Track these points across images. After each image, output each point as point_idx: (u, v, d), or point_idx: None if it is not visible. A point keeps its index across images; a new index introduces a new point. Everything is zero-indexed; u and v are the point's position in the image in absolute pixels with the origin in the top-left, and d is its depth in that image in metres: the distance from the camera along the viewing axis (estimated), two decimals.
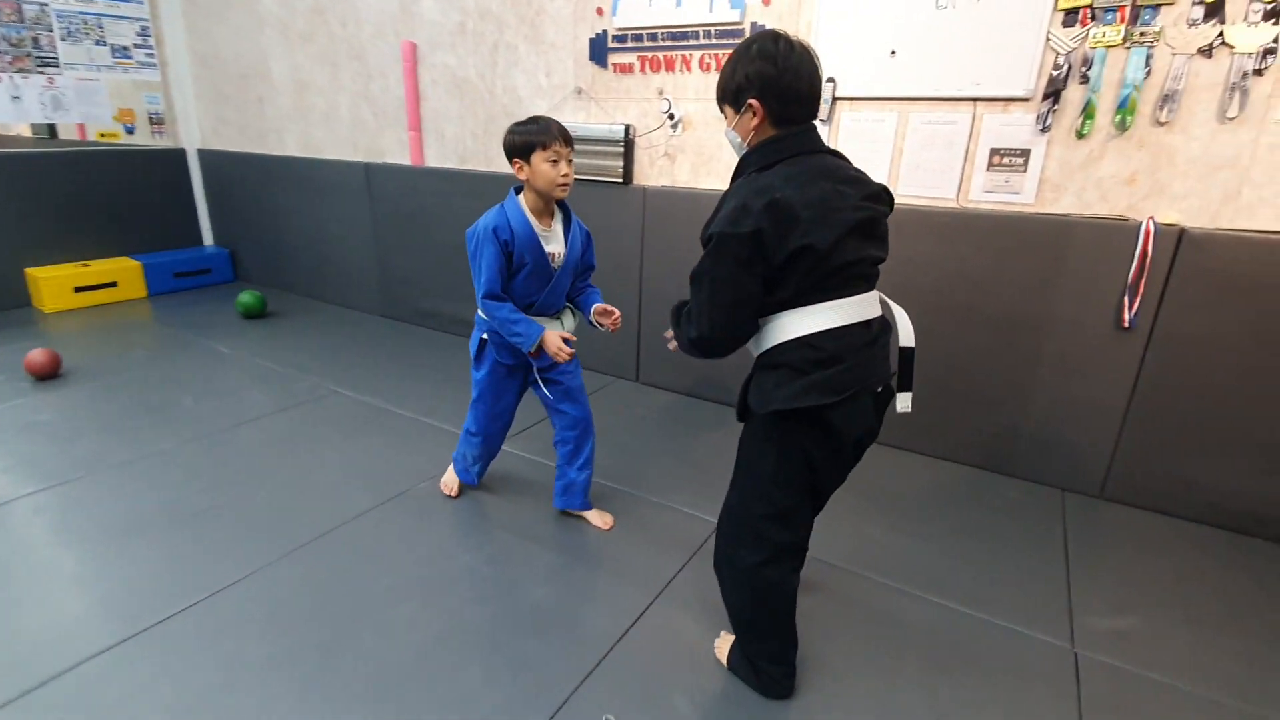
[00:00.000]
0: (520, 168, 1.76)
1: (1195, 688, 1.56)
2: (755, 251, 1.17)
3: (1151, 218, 2.12)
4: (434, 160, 3.76)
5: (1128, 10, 2.04)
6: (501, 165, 3.49)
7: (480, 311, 1.91)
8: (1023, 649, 1.67)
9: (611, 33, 2.95)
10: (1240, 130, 1.99)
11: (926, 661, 1.62)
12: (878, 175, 2.54)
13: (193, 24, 4.61)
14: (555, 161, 1.73)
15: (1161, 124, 2.08)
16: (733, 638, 1.56)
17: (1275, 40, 1.88)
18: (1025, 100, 2.25)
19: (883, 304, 1.36)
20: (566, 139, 1.74)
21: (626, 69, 2.96)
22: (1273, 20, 1.87)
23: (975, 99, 2.32)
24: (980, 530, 2.17)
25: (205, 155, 4.90)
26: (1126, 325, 2.20)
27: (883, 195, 1.30)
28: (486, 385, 2.06)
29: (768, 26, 2.62)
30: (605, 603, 1.78)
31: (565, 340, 1.81)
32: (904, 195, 2.52)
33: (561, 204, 1.88)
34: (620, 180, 3.08)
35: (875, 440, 1.37)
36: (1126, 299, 2.19)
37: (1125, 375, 2.27)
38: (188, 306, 4.32)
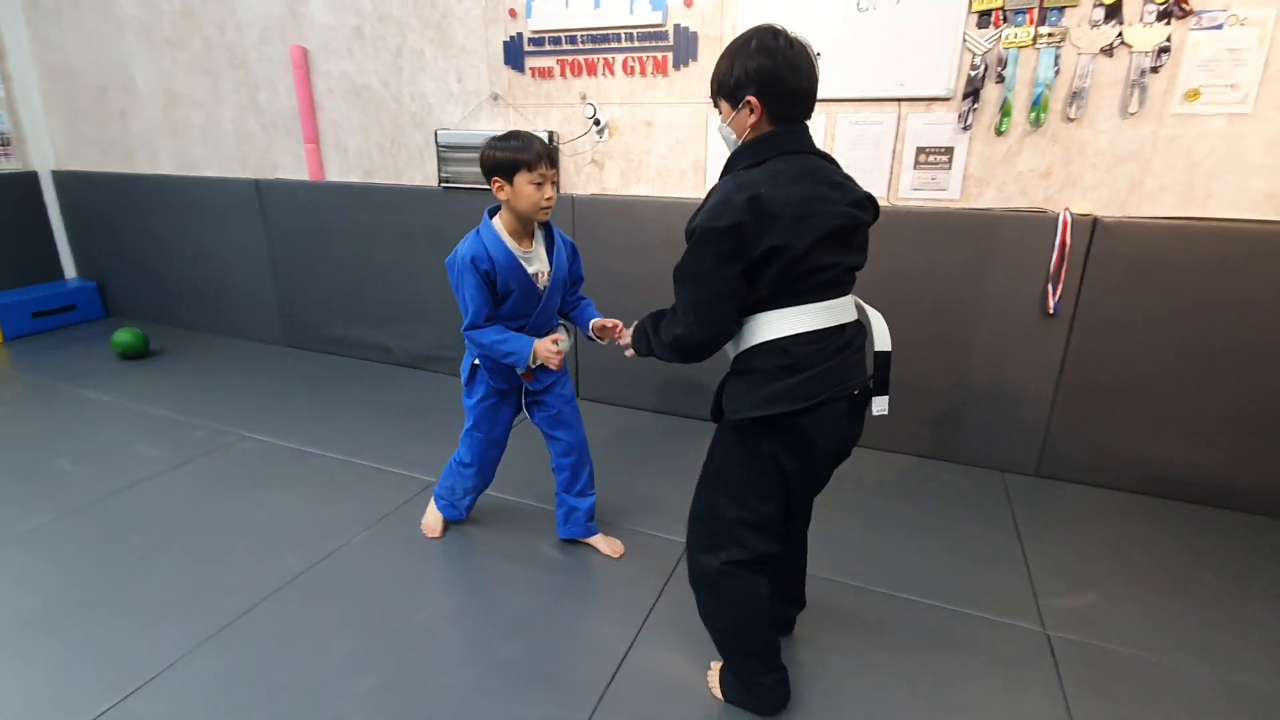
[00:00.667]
0: (500, 187, 1.65)
1: (1158, 656, 1.64)
2: (736, 246, 1.14)
3: (1067, 209, 2.23)
4: (336, 174, 3.47)
5: (1036, 12, 2.13)
6: (413, 178, 3.27)
7: (466, 340, 1.79)
8: (1000, 637, 1.70)
9: (527, 35, 2.81)
10: (1141, 124, 2.13)
11: (912, 661, 1.61)
12: None
13: (38, 32, 4.03)
14: (540, 184, 1.62)
15: (1071, 120, 2.20)
16: (720, 664, 1.50)
17: (1168, 39, 2.02)
18: (946, 100, 2.32)
19: (859, 309, 1.34)
20: (552, 160, 1.65)
21: (546, 73, 2.83)
22: (1165, 21, 2.01)
23: (900, 99, 2.37)
24: (935, 521, 2.21)
25: (61, 178, 4.31)
26: (1051, 311, 2.32)
27: (865, 203, 1.28)
28: (482, 412, 1.93)
29: (691, 29, 2.57)
30: (584, 648, 1.66)
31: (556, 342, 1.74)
32: None
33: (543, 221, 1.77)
34: None
35: (856, 446, 1.35)
36: (1049, 286, 2.30)
37: (1052, 358, 2.39)
38: (52, 350, 3.77)
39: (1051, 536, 2.13)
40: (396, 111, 3.19)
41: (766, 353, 1.22)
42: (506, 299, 1.73)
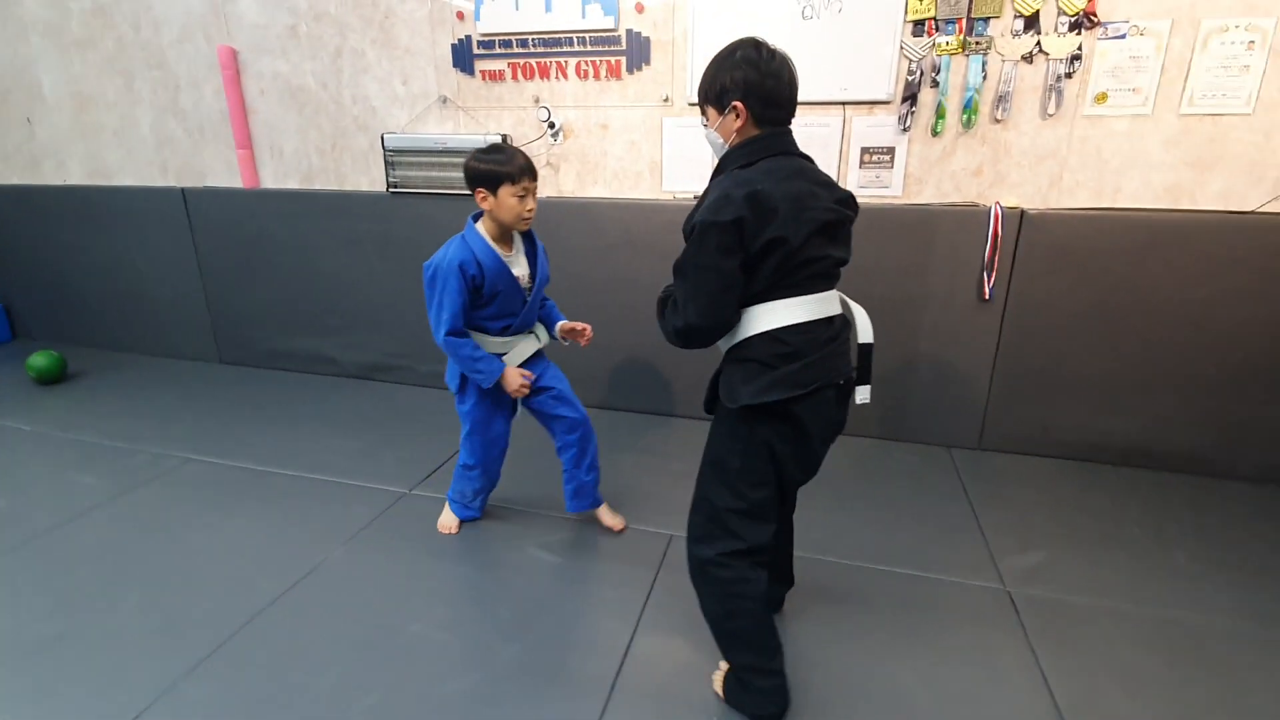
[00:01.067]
0: (484, 198, 1.73)
1: (1102, 601, 1.83)
2: (736, 239, 1.21)
3: (998, 203, 2.43)
4: (271, 180, 3.32)
5: (964, 22, 2.31)
6: (358, 183, 3.18)
7: (442, 348, 1.83)
8: (967, 597, 1.85)
9: (476, 38, 2.78)
10: (1058, 125, 2.36)
11: (893, 624, 1.74)
12: None
13: None
14: (522, 196, 1.73)
15: (998, 121, 2.40)
16: (727, 666, 1.52)
17: (1079, 48, 2.24)
18: (887, 103, 2.48)
19: (842, 303, 1.43)
20: (533, 173, 1.75)
21: (497, 76, 2.82)
22: (1076, 31, 2.23)
23: (844, 103, 2.51)
24: (895, 497, 2.37)
25: None
26: (987, 297, 2.52)
27: (849, 201, 1.37)
28: (477, 416, 1.98)
29: (644, 34, 2.63)
30: (586, 645, 1.68)
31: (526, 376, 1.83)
32: None
33: None
34: None
35: (841, 431, 1.45)
36: (984, 274, 2.50)
37: (989, 340, 2.59)
38: None
39: (999, 503, 2.32)
40: (337, 114, 3.09)
41: (764, 342, 1.29)
42: (494, 300, 1.79)
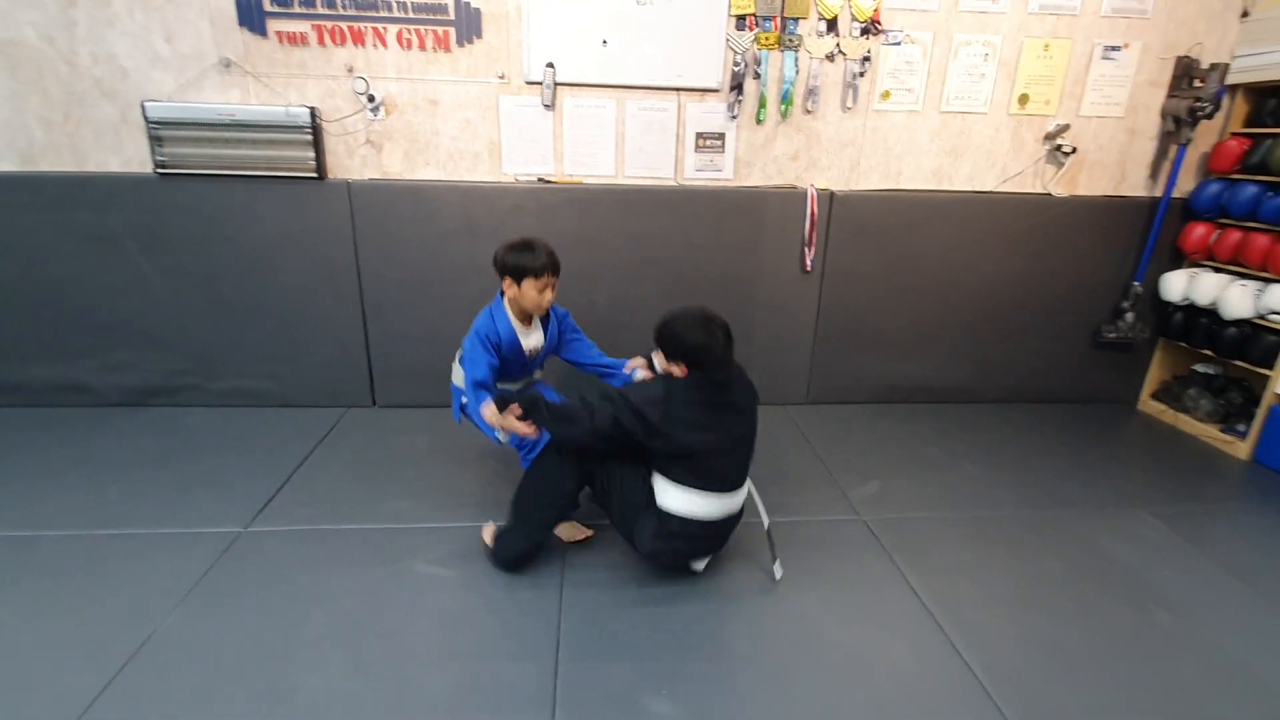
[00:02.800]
0: (509, 285, 1.92)
1: (929, 512, 2.22)
2: None
3: (812, 185, 2.76)
4: None
5: (779, 20, 2.56)
6: (107, 163, 2.57)
7: (464, 386, 1.96)
8: (835, 531, 2.12)
9: None
10: (855, 117, 2.73)
11: (791, 565, 1.92)
12: (606, 158, 2.70)
13: None
14: (543, 290, 1.90)
15: (809, 112, 2.70)
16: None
17: (869, 51, 2.61)
18: (716, 91, 2.65)
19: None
20: (557, 270, 1.92)
21: (298, 39, 2.44)
22: (866, 35, 2.60)
23: (679, 89, 2.63)
24: (758, 457, 2.58)
25: None
26: (808, 269, 2.85)
27: None
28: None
29: (473, 4, 2.47)
30: (518, 652, 1.60)
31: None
32: (632, 176, 2.73)
33: None
34: (313, 175, 2.56)
35: None
36: (804, 249, 2.83)
37: (810, 306, 2.94)
38: None
39: (835, 447, 2.67)
40: (70, 76, 2.42)
41: None
42: (503, 363, 1.99)
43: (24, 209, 2.51)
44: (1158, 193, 2.88)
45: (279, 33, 2.43)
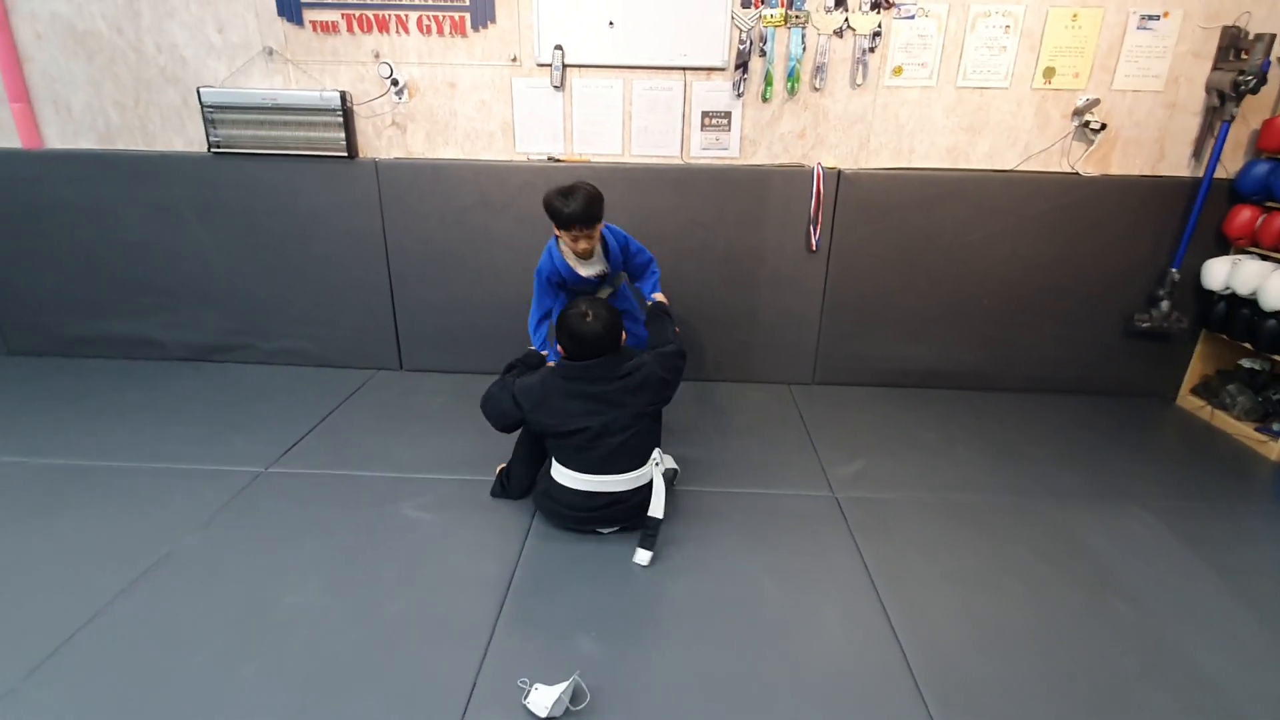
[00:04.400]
0: (554, 228, 2.12)
1: (906, 495, 2.22)
2: None
3: (819, 163, 2.74)
4: (58, 140, 2.89)
5: None
6: (171, 142, 2.89)
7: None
8: (804, 505, 2.16)
9: None
10: (865, 94, 2.69)
11: (743, 534, 2.00)
12: (613, 137, 2.79)
13: None
14: (575, 238, 2.09)
15: (817, 90, 2.68)
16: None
17: (879, 26, 2.56)
18: (722, 70, 2.67)
19: None
20: (584, 223, 2.04)
21: (330, 28, 2.66)
22: (876, 10, 2.55)
23: (685, 68, 2.68)
24: (746, 430, 2.65)
25: None
26: (814, 248, 2.84)
27: None
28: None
29: None
30: (471, 592, 1.75)
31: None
32: (638, 155, 2.81)
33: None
34: (345, 154, 2.79)
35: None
36: (811, 227, 2.82)
37: (817, 286, 2.94)
38: None
39: (829, 427, 2.68)
40: (139, 64, 2.75)
41: None
42: (572, 289, 2.28)
43: (102, 182, 2.87)
44: (1199, 173, 2.68)
45: (314, 22, 2.65)
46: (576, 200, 2.00)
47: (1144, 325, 2.81)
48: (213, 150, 2.80)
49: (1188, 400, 2.94)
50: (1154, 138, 2.68)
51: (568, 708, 1.39)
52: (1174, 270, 2.73)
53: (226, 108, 2.73)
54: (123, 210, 2.92)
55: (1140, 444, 2.63)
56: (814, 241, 2.82)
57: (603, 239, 2.23)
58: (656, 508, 1.87)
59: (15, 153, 2.86)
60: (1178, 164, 2.71)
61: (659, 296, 2.34)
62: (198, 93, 2.72)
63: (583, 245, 2.11)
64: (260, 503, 2.12)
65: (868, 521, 2.07)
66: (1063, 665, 1.56)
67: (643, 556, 1.84)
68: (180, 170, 2.87)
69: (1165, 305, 2.76)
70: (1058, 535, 2.03)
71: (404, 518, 2.06)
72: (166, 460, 2.33)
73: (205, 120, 2.75)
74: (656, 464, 1.91)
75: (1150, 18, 2.51)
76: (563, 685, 1.39)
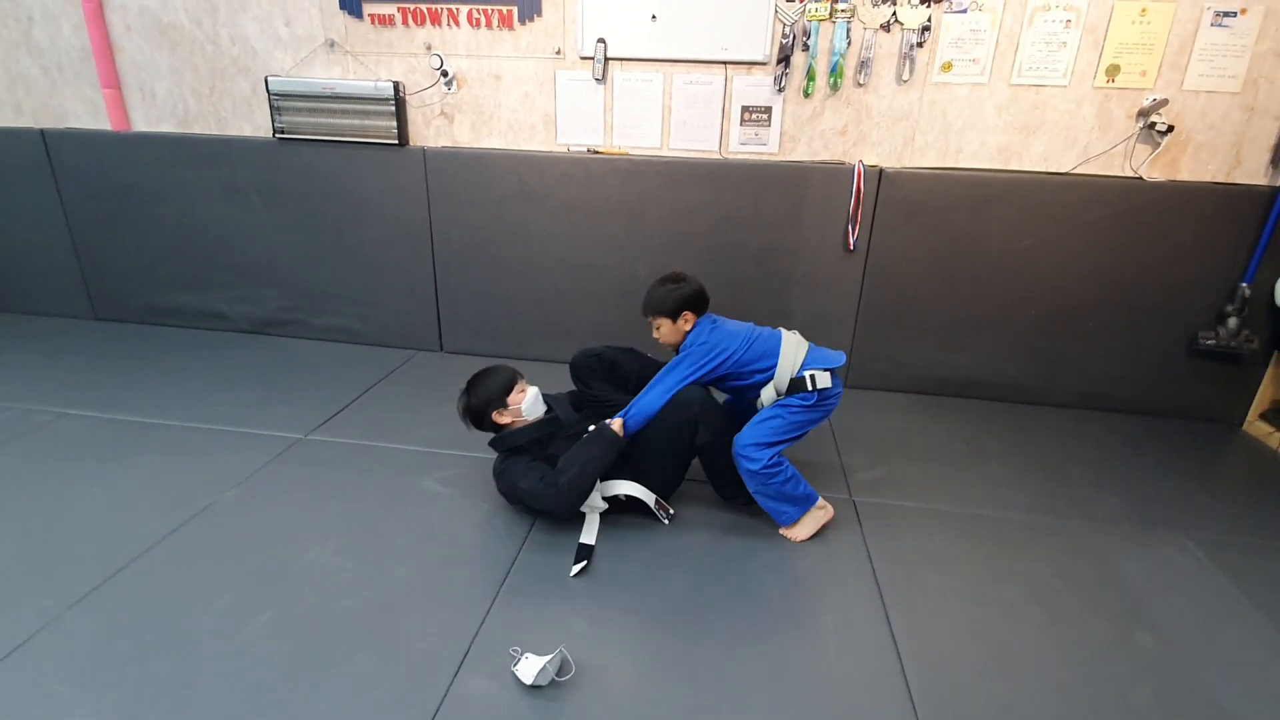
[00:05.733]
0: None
1: (927, 504, 2.15)
2: None
3: (860, 161, 2.68)
4: (143, 124, 3.14)
5: None
6: (241, 128, 3.09)
7: None
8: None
9: None
10: (911, 90, 2.61)
11: (752, 534, 1.97)
12: (652, 130, 2.81)
13: None
14: (656, 327, 2.03)
15: (861, 85, 2.63)
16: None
17: (929, 20, 2.48)
18: (764, 64, 2.65)
19: None
20: (651, 312, 2.00)
21: (386, 21, 2.78)
22: (926, 4, 2.47)
23: (725, 62, 2.67)
24: None
25: None
26: (851, 248, 2.78)
27: None
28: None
29: None
30: (477, 562, 1.82)
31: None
32: (676, 149, 2.82)
33: None
34: (395, 142, 2.91)
35: None
36: (849, 226, 2.76)
37: (853, 287, 2.87)
38: None
39: (856, 431, 2.62)
40: (214, 54, 2.95)
41: None
42: None
43: (180, 165, 3.10)
44: (1279, 181, 2.47)
45: (372, 15, 2.79)
46: (651, 289, 2.02)
47: (1209, 344, 2.62)
48: (277, 136, 2.98)
49: (1255, 427, 2.72)
50: (1229, 142, 2.49)
51: (553, 678, 1.42)
52: (1245, 285, 2.53)
53: (291, 96, 2.90)
54: (197, 191, 3.14)
55: (1196, 471, 2.45)
56: (852, 241, 2.76)
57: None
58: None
59: (106, 134, 3.12)
60: (1255, 171, 2.51)
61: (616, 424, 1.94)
62: (265, 82, 2.90)
63: (654, 335, 2.05)
64: (295, 466, 2.25)
65: (882, 528, 2.01)
66: (1067, 688, 1.48)
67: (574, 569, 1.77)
68: (248, 154, 3.06)
69: (1234, 323, 2.57)
70: (1088, 559, 1.92)
71: (423, 489, 2.14)
72: (217, 422, 2.50)
73: (271, 108, 2.93)
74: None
75: (1226, 14, 2.33)
76: (550, 656, 1.43)
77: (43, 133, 3.14)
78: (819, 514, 1.96)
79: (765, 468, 1.87)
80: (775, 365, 1.96)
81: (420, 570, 1.78)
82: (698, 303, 2.00)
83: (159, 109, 3.09)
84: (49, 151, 3.17)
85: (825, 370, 1.94)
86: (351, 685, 1.42)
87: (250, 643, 1.52)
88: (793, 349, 1.97)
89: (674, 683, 1.46)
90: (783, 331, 2.04)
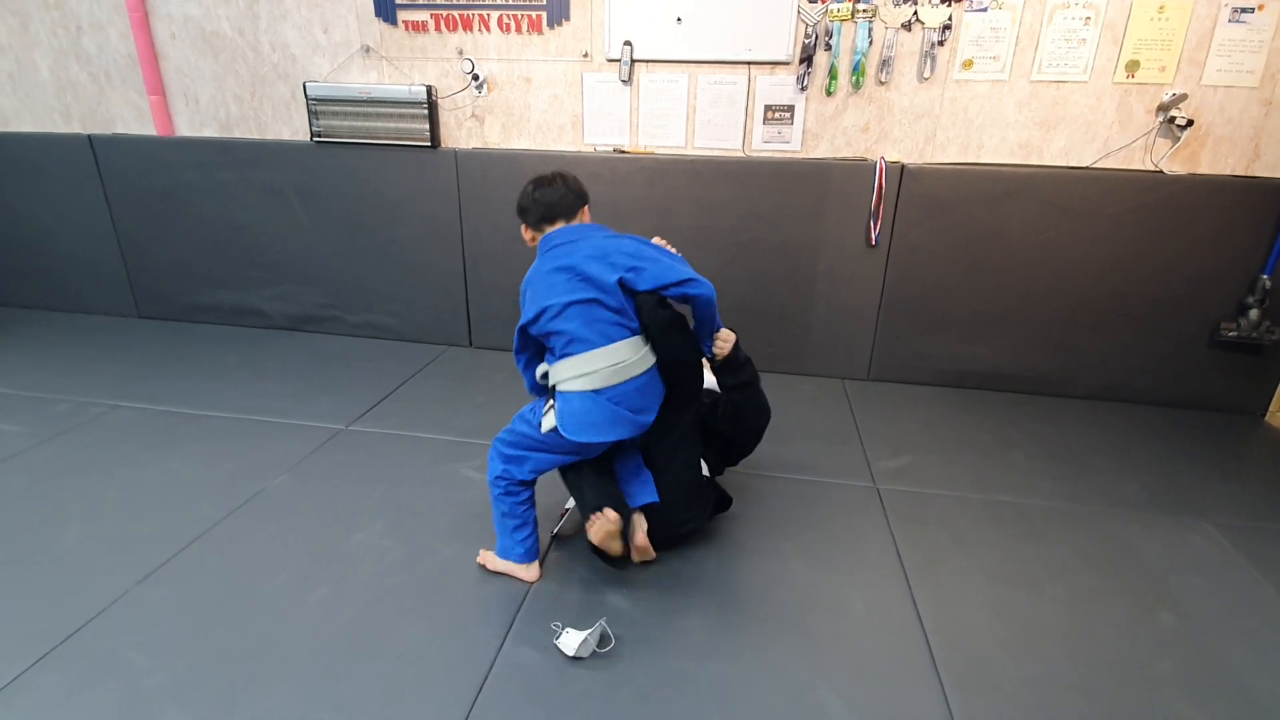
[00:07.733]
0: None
1: (950, 491, 2.20)
2: None
3: (882, 157, 2.73)
4: (187, 129, 3.27)
5: None
6: (280, 132, 3.20)
7: None
8: (845, 493, 2.18)
9: None
10: (932, 88, 2.66)
11: (780, 518, 2.04)
12: (677, 130, 2.88)
13: None
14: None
15: (882, 83, 2.68)
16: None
17: (949, 18, 2.54)
18: (786, 64, 2.72)
19: None
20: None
21: (420, 27, 2.88)
22: (946, 3, 2.52)
23: (749, 62, 2.74)
24: (796, 422, 2.67)
25: None
26: (873, 243, 2.84)
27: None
28: None
29: None
30: None
31: None
32: (701, 147, 2.90)
33: None
34: (428, 144, 3.01)
35: None
36: (871, 222, 2.81)
37: (875, 282, 2.93)
38: None
39: (879, 422, 2.68)
40: (255, 61, 3.07)
41: None
42: None
43: (222, 167, 3.22)
44: None
45: (406, 21, 2.89)
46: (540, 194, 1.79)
47: (1231, 335, 2.65)
48: (315, 139, 3.09)
49: (1276, 418, 2.74)
50: (1248, 136, 2.52)
51: (594, 650, 1.50)
52: (1265, 277, 2.56)
53: (328, 100, 3.01)
54: (237, 193, 3.26)
55: (1217, 460, 2.48)
56: (874, 236, 2.81)
57: None
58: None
59: (151, 139, 3.25)
60: (1273, 164, 2.54)
61: None
62: (304, 87, 3.01)
63: None
64: (339, 454, 2.35)
65: (907, 513, 2.07)
66: (1090, 662, 1.54)
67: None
68: (287, 157, 3.18)
69: (1255, 314, 2.59)
70: (1110, 544, 1.97)
71: (462, 476, 2.23)
72: (263, 414, 2.61)
73: (309, 112, 3.04)
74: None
75: (1244, 10, 2.37)
76: (591, 629, 1.51)
77: (90, 138, 3.28)
78: (519, 570, 1.74)
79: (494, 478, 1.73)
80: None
81: (466, 551, 1.86)
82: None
83: (202, 114, 3.22)
84: (96, 157, 3.31)
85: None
86: (405, 653, 1.51)
87: (308, 615, 1.62)
88: None
89: (710, 655, 1.53)
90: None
